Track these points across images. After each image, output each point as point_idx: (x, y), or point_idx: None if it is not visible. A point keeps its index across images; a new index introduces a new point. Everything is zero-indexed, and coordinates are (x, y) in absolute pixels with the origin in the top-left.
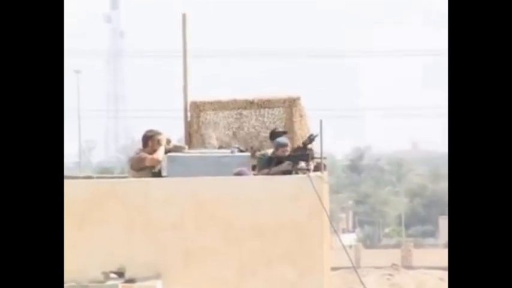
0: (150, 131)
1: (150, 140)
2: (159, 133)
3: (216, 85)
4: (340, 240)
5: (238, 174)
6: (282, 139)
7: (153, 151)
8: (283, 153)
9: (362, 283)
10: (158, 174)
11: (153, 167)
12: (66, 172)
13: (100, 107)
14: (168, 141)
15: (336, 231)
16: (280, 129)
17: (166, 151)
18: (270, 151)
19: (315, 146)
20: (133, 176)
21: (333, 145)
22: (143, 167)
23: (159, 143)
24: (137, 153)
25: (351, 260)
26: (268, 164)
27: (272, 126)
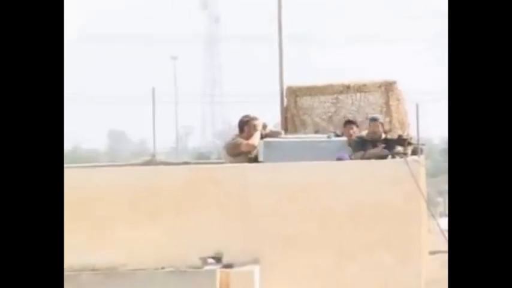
0: (246, 116)
1: (246, 125)
2: (255, 118)
3: (311, 70)
4: (438, 224)
5: (339, 159)
6: (375, 115)
7: (249, 136)
8: (376, 130)
9: None
10: (254, 160)
11: (249, 152)
12: (163, 158)
13: (197, 93)
14: (264, 127)
15: (433, 215)
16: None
17: (263, 136)
18: (365, 133)
19: (411, 130)
20: (230, 162)
21: (430, 129)
22: (239, 152)
23: (255, 128)
24: (233, 139)
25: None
26: (362, 147)
27: (369, 111)
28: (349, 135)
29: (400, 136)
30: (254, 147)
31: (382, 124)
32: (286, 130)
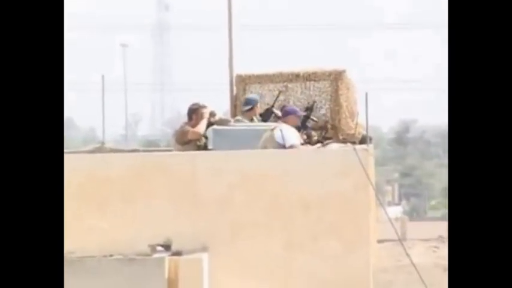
0: (195, 104)
1: (194, 113)
2: (203, 106)
3: (261, 58)
4: (386, 213)
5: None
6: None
7: (197, 124)
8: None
9: (408, 255)
10: (204, 148)
11: (197, 140)
12: (112, 145)
13: (147, 81)
14: (213, 115)
15: (381, 204)
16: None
17: (211, 124)
18: None
19: (361, 120)
20: (178, 150)
21: (379, 118)
22: (187, 140)
23: (202, 116)
24: (181, 127)
25: (397, 232)
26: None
27: (318, 99)
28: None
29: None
30: (200, 135)
31: (299, 117)
32: (236, 118)
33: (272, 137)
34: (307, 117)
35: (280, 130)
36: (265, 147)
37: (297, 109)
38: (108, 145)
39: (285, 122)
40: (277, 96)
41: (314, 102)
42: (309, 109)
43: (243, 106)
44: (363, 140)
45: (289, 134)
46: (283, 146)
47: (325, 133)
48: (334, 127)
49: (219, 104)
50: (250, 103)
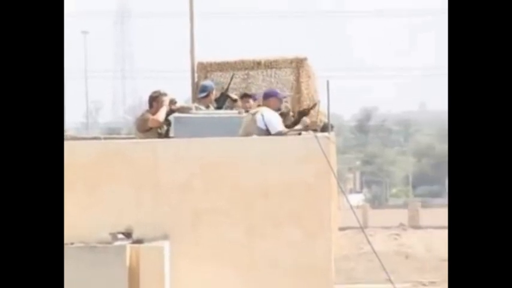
0: (156, 92)
1: (154, 101)
2: (164, 94)
3: (222, 46)
4: (348, 201)
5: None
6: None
7: (157, 112)
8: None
9: (369, 243)
10: (165, 135)
11: (158, 128)
12: (73, 133)
13: (107, 68)
14: (173, 102)
15: (343, 192)
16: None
17: (172, 112)
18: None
19: (323, 108)
20: (140, 138)
21: (340, 106)
22: (147, 128)
23: (162, 104)
24: (142, 115)
25: (358, 220)
26: None
27: (279, 87)
28: (246, 109)
29: (304, 109)
30: (159, 122)
31: (280, 99)
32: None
33: (254, 121)
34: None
35: (262, 115)
36: (246, 133)
37: (278, 91)
38: (69, 133)
39: (266, 105)
40: (230, 80)
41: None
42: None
43: (198, 93)
44: (325, 128)
45: (273, 118)
46: (266, 131)
47: (287, 120)
48: (295, 114)
49: (181, 92)
50: (206, 90)
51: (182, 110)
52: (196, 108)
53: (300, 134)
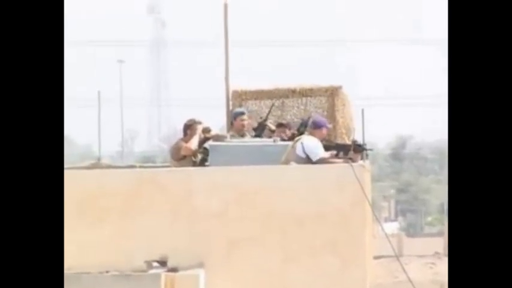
0: (191, 120)
1: (188, 129)
2: (198, 122)
3: (257, 75)
4: (383, 229)
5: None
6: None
7: (190, 140)
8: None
9: (405, 271)
10: (200, 163)
11: (192, 156)
12: (108, 161)
13: (143, 97)
14: (208, 130)
15: (378, 220)
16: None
17: (207, 140)
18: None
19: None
20: (174, 166)
21: (375, 134)
22: (181, 156)
23: (195, 132)
24: (176, 143)
25: (393, 248)
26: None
27: (314, 115)
28: (282, 138)
29: (354, 141)
30: (192, 150)
31: (329, 129)
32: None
33: (294, 150)
34: (302, 133)
35: (302, 143)
36: (286, 161)
37: (326, 121)
38: (104, 161)
39: (313, 134)
40: (270, 110)
41: (309, 117)
42: (304, 125)
43: (232, 120)
44: (356, 148)
45: (313, 146)
46: (305, 159)
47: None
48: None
49: (216, 120)
50: (237, 115)
51: (217, 138)
52: (232, 136)
53: (348, 161)
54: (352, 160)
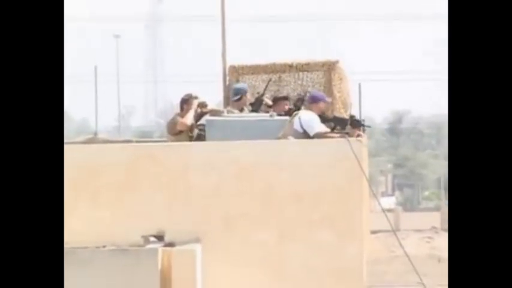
0: (187, 95)
1: (185, 104)
2: (195, 97)
3: (254, 49)
4: (380, 204)
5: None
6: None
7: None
8: (322, 109)
9: (401, 246)
10: (197, 138)
11: (190, 130)
12: (105, 136)
13: (139, 72)
14: (204, 105)
15: (375, 195)
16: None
17: (204, 115)
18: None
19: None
20: (171, 141)
21: (372, 109)
22: (177, 131)
23: (191, 107)
24: (173, 118)
25: (390, 223)
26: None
27: (311, 90)
28: (283, 111)
29: (352, 117)
30: (187, 125)
31: (328, 103)
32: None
33: (291, 124)
34: (298, 108)
35: (299, 118)
36: (284, 136)
37: (324, 95)
38: (101, 136)
39: (310, 108)
40: (267, 85)
41: (306, 92)
42: (301, 100)
43: (232, 96)
44: (354, 122)
45: (311, 120)
46: (303, 134)
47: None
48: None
49: (213, 95)
50: (240, 92)
51: (213, 112)
52: (228, 111)
53: (344, 135)
54: (349, 135)
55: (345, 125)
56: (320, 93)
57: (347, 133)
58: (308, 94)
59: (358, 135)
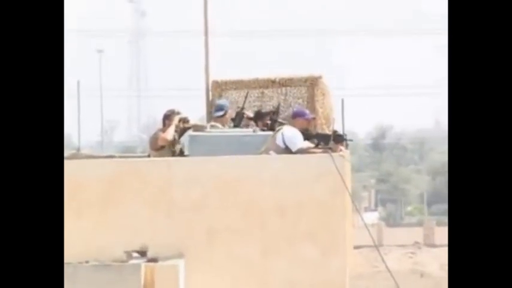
0: (169, 110)
1: (167, 119)
2: (176, 113)
3: (237, 65)
4: (362, 219)
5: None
6: (301, 109)
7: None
8: (305, 125)
9: (384, 261)
10: (179, 154)
11: (171, 145)
12: (88, 151)
13: (122, 87)
14: (186, 121)
15: (358, 210)
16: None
17: (186, 130)
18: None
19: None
20: (153, 156)
21: (355, 124)
22: (159, 146)
23: (172, 122)
24: (155, 133)
25: (372, 238)
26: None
27: (294, 105)
28: (264, 127)
29: (335, 132)
30: (168, 140)
31: (311, 120)
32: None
33: (274, 139)
34: (274, 121)
35: (282, 133)
36: (266, 150)
37: (307, 111)
38: (83, 151)
39: (292, 124)
40: (246, 98)
41: (279, 104)
42: (275, 113)
43: (214, 112)
44: (337, 138)
45: (293, 136)
46: (285, 150)
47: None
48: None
49: (196, 110)
50: (222, 109)
51: (196, 128)
52: (211, 126)
53: (326, 150)
54: (332, 150)
55: (328, 141)
56: (303, 110)
57: (330, 148)
58: (292, 109)
59: (341, 150)
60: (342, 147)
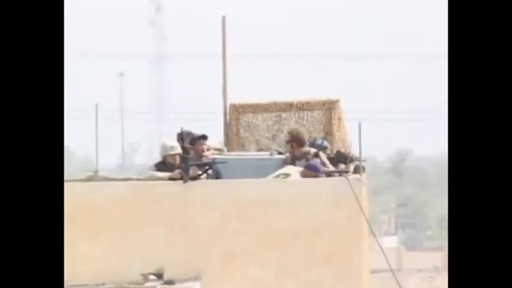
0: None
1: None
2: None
3: (255, 88)
4: (379, 243)
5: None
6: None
7: None
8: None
9: (399, 285)
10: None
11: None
12: (107, 174)
13: (143, 110)
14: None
15: (374, 234)
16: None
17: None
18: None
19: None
20: (157, 169)
21: (374, 148)
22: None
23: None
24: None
25: (388, 262)
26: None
27: (311, 129)
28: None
29: (338, 152)
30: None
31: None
32: (229, 147)
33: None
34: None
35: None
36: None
37: (320, 167)
38: (102, 173)
39: (305, 175)
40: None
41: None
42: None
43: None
44: (357, 170)
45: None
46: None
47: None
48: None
49: (214, 133)
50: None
51: (214, 151)
52: (229, 149)
53: (341, 174)
54: (347, 173)
55: (338, 162)
56: (316, 165)
57: (346, 172)
58: (307, 162)
59: (347, 172)
60: (349, 169)
